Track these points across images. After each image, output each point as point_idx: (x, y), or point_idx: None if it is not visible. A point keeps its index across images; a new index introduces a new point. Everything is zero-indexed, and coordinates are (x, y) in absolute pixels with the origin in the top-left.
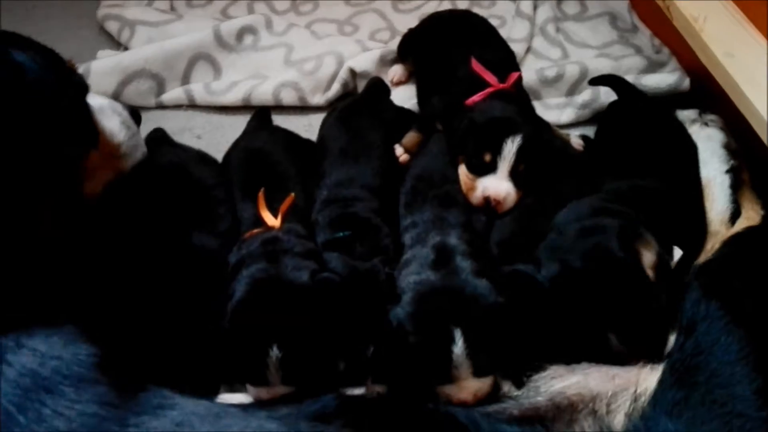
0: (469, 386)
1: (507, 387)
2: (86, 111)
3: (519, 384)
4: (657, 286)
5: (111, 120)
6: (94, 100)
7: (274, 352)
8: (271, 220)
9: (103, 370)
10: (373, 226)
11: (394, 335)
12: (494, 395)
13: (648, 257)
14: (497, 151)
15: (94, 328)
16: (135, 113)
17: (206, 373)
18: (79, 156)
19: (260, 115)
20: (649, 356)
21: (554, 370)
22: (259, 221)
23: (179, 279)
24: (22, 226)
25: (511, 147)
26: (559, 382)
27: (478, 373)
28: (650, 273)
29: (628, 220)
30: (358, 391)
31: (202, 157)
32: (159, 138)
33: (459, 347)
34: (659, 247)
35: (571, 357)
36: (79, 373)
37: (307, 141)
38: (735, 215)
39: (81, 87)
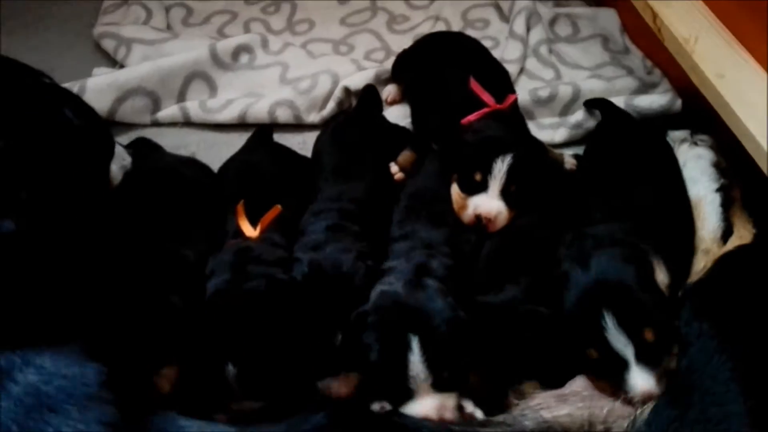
0: (429, 401)
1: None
2: (108, 164)
3: (491, 409)
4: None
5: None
6: None
7: (230, 369)
8: (249, 231)
9: (109, 390)
10: (343, 227)
11: (355, 330)
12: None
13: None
14: (488, 170)
15: (101, 346)
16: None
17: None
18: (94, 201)
19: (261, 132)
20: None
21: (543, 399)
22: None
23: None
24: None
25: (501, 166)
26: (548, 413)
27: (437, 386)
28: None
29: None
30: (334, 382)
31: (193, 162)
32: (148, 146)
33: (416, 355)
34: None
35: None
36: (85, 393)
37: (303, 158)
38: (727, 234)
39: (110, 144)
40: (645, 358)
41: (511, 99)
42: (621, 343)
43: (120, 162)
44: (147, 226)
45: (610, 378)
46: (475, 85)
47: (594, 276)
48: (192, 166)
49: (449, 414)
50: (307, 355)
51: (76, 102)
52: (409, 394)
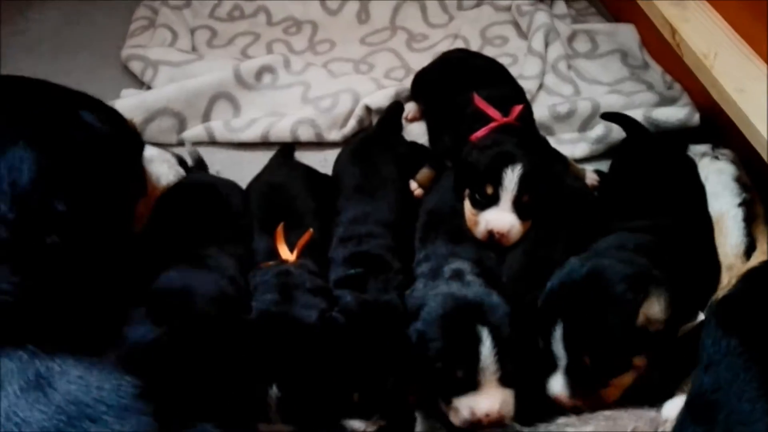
0: (495, 395)
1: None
2: (140, 164)
3: (526, 420)
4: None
5: (159, 167)
6: (145, 151)
7: (274, 391)
8: (287, 254)
9: (146, 401)
10: (385, 263)
11: (416, 349)
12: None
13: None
14: (498, 183)
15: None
16: (182, 161)
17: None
18: (131, 203)
19: (284, 151)
20: None
21: (567, 419)
22: (274, 254)
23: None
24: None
25: (512, 177)
26: (573, 429)
27: (504, 380)
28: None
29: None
30: (361, 425)
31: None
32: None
33: (487, 347)
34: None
35: None
36: (122, 404)
37: (326, 176)
38: (750, 249)
39: (138, 143)
40: (573, 374)
41: (516, 111)
42: (559, 352)
43: (166, 161)
44: (182, 239)
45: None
46: (479, 101)
47: (575, 280)
48: (228, 185)
49: (509, 410)
50: (360, 385)
51: (94, 104)
52: (473, 387)
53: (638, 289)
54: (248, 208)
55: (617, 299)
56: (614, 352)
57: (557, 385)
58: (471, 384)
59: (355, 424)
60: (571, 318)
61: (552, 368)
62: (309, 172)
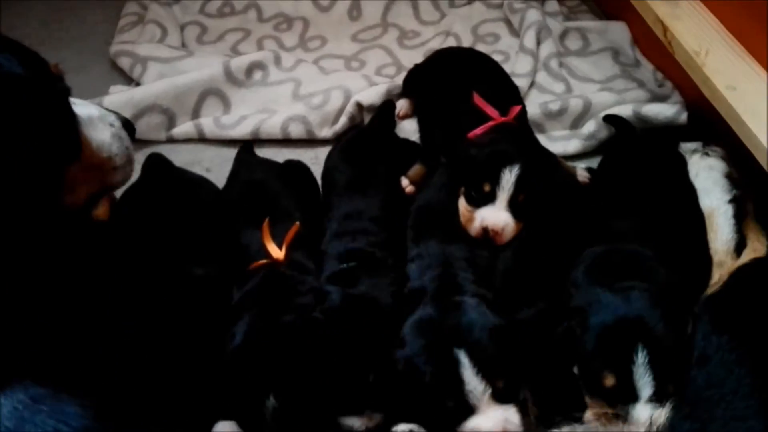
0: (494, 414)
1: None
2: (68, 120)
3: (546, 422)
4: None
5: (101, 132)
6: (82, 109)
7: (271, 401)
8: (276, 252)
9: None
10: (377, 259)
11: (405, 378)
12: None
13: None
14: (496, 182)
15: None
16: (128, 125)
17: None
18: (56, 167)
19: (247, 147)
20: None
21: (568, 428)
22: (263, 251)
23: (179, 307)
24: None
25: (509, 177)
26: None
27: (497, 397)
28: None
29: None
30: (357, 421)
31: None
32: (159, 162)
33: (467, 368)
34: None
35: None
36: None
37: (299, 164)
38: (740, 246)
39: (63, 93)
40: (657, 400)
41: (515, 110)
42: (642, 381)
43: (108, 130)
44: (156, 243)
45: (617, 406)
46: (478, 100)
47: (634, 311)
48: (203, 184)
49: (514, 427)
50: (341, 392)
51: (7, 44)
52: (470, 410)
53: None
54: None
55: (678, 324)
56: (683, 374)
57: (645, 415)
58: (466, 410)
59: (351, 421)
60: (651, 346)
61: (628, 398)
62: (281, 166)
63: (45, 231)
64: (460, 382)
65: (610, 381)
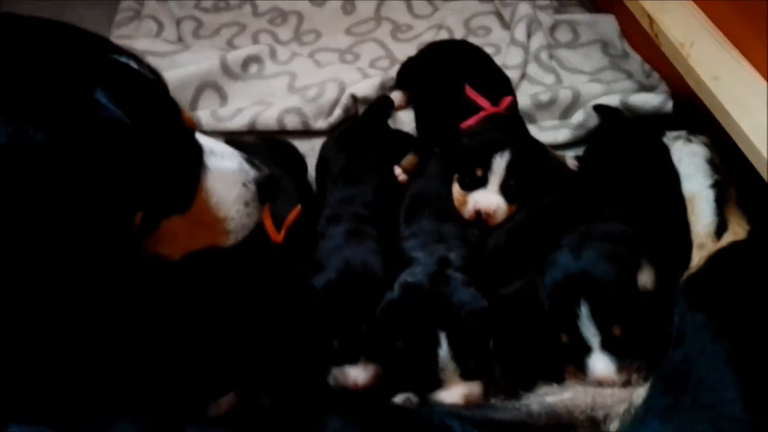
0: (458, 389)
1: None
2: (190, 173)
3: (510, 393)
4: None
5: (229, 189)
6: (221, 161)
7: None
8: (274, 235)
9: None
10: (368, 234)
11: (384, 319)
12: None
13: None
14: (487, 167)
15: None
16: (267, 186)
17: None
18: (153, 218)
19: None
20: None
21: (547, 388)
22: None
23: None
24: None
25: (500, 162)
26: (552, 397)
27: (465, 375)
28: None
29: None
30: (354, 369)
31: None
32: None
33: (444, 350)
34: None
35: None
36: None
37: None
38: (721, 229)
39: (190, 141)
40: (609, 348)
41: (506, 101)
42: (590, 332)
43: (237, 189)
44: None
45: (576, 362)
46: (470, 92)
47: (580, 266)
48: None
49: (475, 399)
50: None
51: (121, 80)
52: (437, 384)
53: (634, 256)
54: None
55: (622, 269)
56: (638, 316)
57: (601, 364)
58: (435, 382)
59: (347, 369)
60: (590, 297)
61: (583, 352)
62: (269, 146)
63: (114, 280)
64: (434, 361)
65: (564, 338)
